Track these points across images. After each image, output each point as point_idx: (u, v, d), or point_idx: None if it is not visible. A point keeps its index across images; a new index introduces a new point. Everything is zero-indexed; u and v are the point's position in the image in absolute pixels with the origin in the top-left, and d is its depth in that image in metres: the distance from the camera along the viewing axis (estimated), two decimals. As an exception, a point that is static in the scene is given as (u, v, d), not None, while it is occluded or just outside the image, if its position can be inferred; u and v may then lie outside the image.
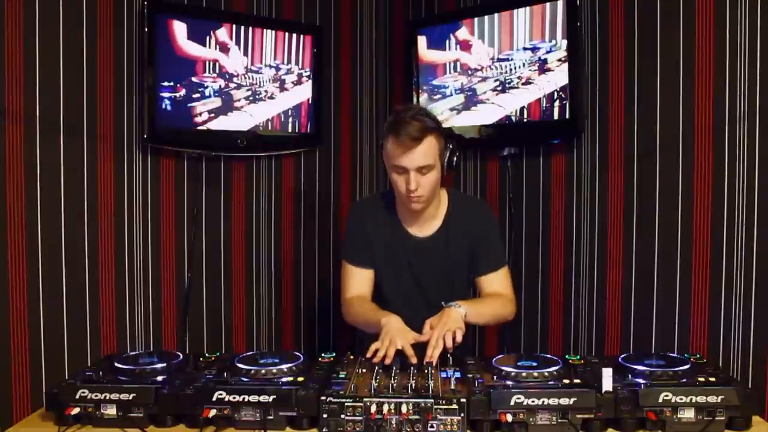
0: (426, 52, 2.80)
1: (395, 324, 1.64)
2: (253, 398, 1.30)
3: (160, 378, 1.39)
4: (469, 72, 2.68)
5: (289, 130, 2.74)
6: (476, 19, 2.65)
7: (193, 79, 2.45)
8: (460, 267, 1.86)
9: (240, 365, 1.42)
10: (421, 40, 2.81)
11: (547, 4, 2.45)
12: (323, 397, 1.28)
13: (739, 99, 1.89)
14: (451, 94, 2.75)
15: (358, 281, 1.88)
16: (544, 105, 2.49)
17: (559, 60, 2.43)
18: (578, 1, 2.37)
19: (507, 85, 2.59)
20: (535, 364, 1.42)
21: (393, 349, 1.51)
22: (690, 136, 2.05)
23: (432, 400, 1.26)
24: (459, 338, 1.56)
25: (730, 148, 1.93)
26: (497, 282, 1.85)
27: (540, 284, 2.67)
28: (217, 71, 2.51)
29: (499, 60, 2.60)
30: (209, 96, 2.50)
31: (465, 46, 2.69)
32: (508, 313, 1.84)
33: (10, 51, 1.95)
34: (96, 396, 1.32)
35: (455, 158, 1.76)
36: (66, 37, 2.10)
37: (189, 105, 2.45)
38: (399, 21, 3.09)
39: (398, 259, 1.86)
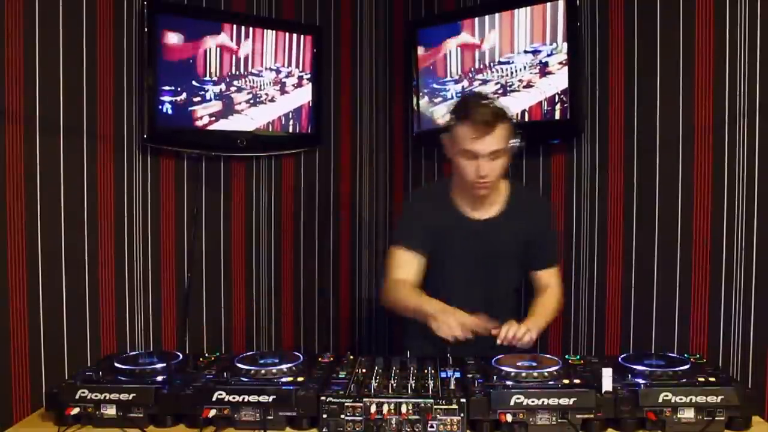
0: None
1: (448, 308, 1.69)
2: (253, 398, 1.30)
3: (160, 378, 1.39)
4: (470, 75, 2.68)
5: (290, 131, 2.75)
6: (476, 20, 2.65)
7: (194, 82, 2.45)
8: (510, 253, 1.88)
9: (240, 365, 1.42)
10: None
11: (548, 5, 2.44)
12: (323, 397, 1.28)
13: (739, 98, 1.89)
14: (452, 97, 2.75)
15: (407, 266, 1.85)
16: (545, 108, 2.49)
17: (560, 63, 2.43)
18: (578, 1, 2.36)
19: (508, 89, 2.58)
20: (534, 364, 1.42)
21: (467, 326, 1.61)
22: (690, 135, 2.05)
23: (432, 400, 1.26)
24: (527, 338, 1.63)
25: (729, 146, 1.93)
26: (550, 278, 1.91)
27: (540, 284, 2.66)
28: (218, 74, 2.51)
29: (500, 63, 2.60)
30: (210, 99, 2.50)
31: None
32: (559, 310, 1.91)
33: (10, 51, 1.95)
34: (96, 396, 1.32)
35: (520, 147, 1.78)
36: (66, 37, 2.10)
37: (189, 109, 2.45)
38: (399, 21, 3.09)
39: (454, 241, 1.86)
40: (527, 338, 1.64)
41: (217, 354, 1.60)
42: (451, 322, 1.62)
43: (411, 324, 1.86)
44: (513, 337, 1.63)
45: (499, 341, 1.63)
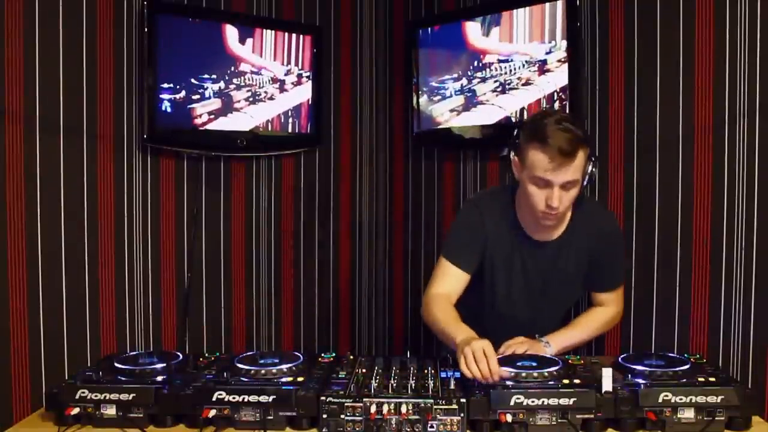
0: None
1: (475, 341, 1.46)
2: (253, 398, 1.30)
3: (160, 378, 1.39)
4: (469, 73, 2.68)
5: (289, 130, 2.75)
6: (476, 19, 2.65)
7: (193, 80, 2.45)
8: (573, 277, 1.78)
9: (240, 365, 1.42)
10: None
11: (547, 5, 2.44)
12: (323, 397, 1.28)
13: (739, 98, 1.89)
14: (451, 95, 2.75)
15: (452, 281, 1.75)
16: (544, 105, 2.49)
17: (559, 61, 2.43)
18: (578, 1, 2.37)
19: (507, 86, 2.58)
20: (535, 364, 1.42)
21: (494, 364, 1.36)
22: (690, 135, 2.05)
23: (432, 400, 1.26)
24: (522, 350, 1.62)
25: (729, 146, 1.93)
26: (609, 299, 1.83)
27: (540, 284, 2.66)
28: (217, 72, 2.51)
29: (499, 61, 2.60)
30: (209, 97, 2.50)
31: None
32: (605, 331, 1.88)
33: (10, 51, 1.95)
34: (96, 396, 1.32)
35: (595, 171, 1.62)
36: (66, 37, 2.10)
37: (189, 107, 2.45)
38: (399, 21, 3.09)
39: (513, 261, 1.75)
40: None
41: (217, 354, 1.60)
42: (474, 362, 1.36)
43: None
44: (512, 353, 1.60)
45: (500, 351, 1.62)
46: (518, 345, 1.65)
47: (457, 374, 1.42)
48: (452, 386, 1.35)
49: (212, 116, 2.51)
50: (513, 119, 2.58)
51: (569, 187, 1.55)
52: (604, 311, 1.83)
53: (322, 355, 1.58)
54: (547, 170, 1.52)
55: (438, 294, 1.73)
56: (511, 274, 1.78)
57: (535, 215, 1.64)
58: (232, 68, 2.55)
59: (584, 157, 1.55)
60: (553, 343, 1.70)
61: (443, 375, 1.42)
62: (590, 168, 1.59)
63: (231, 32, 2.54)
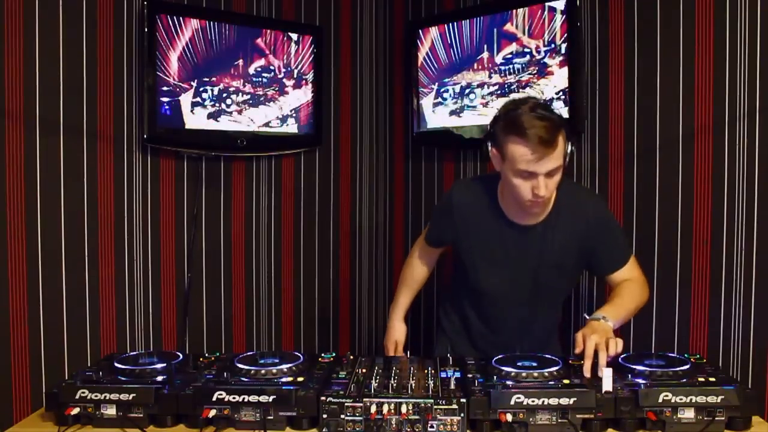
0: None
1: (391, 333, 2.01)
2: (253, 398, 1.30)
3: (160, 378, 1.39)
4: (469, 74, 2.68)
5: (289, 130, 2.75)
6: (476, 20, 2.65)
7: (193, 82, 2.45)
8: (562, 260, 1.73)
9: (240, 365, 1.42)
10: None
11: (546, 5, 2.44)
12: (323, 397, 1.28)
13: (739, 98, 1.89)
14: (451, 96, 2.75)
15: (427, 254, 2.01)
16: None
17: (559, 63, 2.43)
18: (578, 2, 2.36)
19: (506, 89, 2.58)
20: (535, 364, 1.42)
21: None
22: (690, 135, 2.05)
23: (432, 400, 1.27)
24: (619, 348, 1.43)
25: (729, 146, 1.93)
26: (622, 276, 1.75)
27: (540, 284, 2.66)
28: (217, 73, 2.51)
29: (499, 63, 2.60)
30: (209, 99, 2.50)
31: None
32: (645, 300, 1.75)
33: (10, 51, 1.95)
34: (96, 396, 1.32)
35: (573, 149, 1.61)
36: (66, 37, 2.10)
37: (190, 108, 2.45)
38: (399, 21, 3.09)
39: (496, 248, 1.75)
40: (619, 347, 1.44)
41: (217, 354, 1.60)
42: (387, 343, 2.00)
43: (445, 320, 2.01)
44: (611, 353, 1.42)
45: (597, 367, 1.40)
46: (593, 340, 1.44)
47: (458, 374, 1.42)
48: (452, 386, 1.35)
49: (212, 118, 2.51)
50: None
51: (553, 173, 1.55)
52: (629, 283, 1.73)
53: (322, 355, 1.58)
54: (530, 162, 1.51)
55: (415, 257, 2.02)
56: (496, 263, 1.76)
57: (521, 204, 1.63)
58: (232, 69, 2.55)
59: (563, 140, 1.55)
60: (609, 316, 1.57)
61: (443, 375, 1.42)
62: (569, 148, 1.58)
63: (231, 32, 2.54)
